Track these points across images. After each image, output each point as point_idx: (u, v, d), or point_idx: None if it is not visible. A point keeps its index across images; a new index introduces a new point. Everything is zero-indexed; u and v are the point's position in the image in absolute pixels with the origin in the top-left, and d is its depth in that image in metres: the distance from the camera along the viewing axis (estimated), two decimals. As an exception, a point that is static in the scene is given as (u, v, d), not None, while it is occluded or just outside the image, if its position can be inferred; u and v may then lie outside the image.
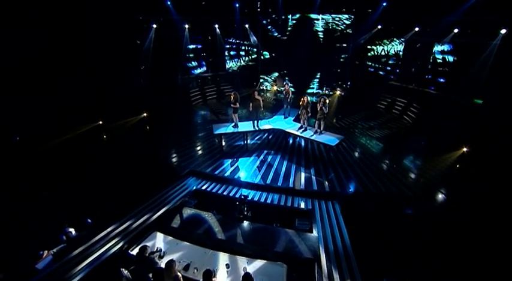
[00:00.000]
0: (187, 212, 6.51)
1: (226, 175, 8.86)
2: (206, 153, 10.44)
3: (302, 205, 7.39)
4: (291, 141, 11.55)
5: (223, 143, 10.85)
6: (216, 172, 8.99)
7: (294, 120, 11.67)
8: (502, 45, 10.83)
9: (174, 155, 10.40)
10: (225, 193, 7.92)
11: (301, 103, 10.13)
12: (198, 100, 17.12)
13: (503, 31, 10.74)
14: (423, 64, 14.26)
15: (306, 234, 5.82)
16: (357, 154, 10.53)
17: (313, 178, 8.66)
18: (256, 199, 7.67)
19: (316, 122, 10.01)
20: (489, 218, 6.99)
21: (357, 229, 6.52)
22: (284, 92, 11.91)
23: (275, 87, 18.82)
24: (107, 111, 12.71)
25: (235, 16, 16.88)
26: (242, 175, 8.87)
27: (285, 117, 11.92)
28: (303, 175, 8.87)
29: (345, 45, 16.71)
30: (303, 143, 11.32)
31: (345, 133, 11.75)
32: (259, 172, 9.04)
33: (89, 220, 6.47)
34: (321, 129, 10.05)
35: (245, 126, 10.78)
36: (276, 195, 7.85)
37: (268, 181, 8.48)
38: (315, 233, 5.94)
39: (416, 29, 13.99)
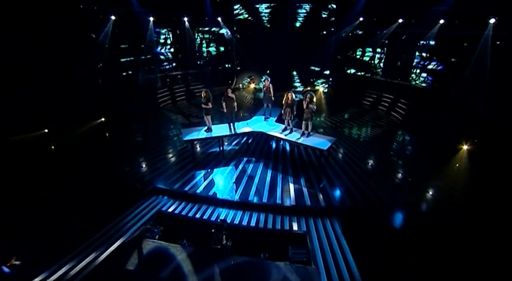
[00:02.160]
0: (149, 245, 5.00)
1: (198, 191, 7.27)
2: (175, 163, 8.82)
3: (295, 227, 6.02)
4: (274, 145, 10.20)
5: (196, 151, 9.27)
6: (187, 188, 7.37)
7: (276, 121, 10.31)
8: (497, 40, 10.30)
9: (136, 167, 8.66)
10: (197, 216, 6.35)
11: (284, 101, 8.78)
12: (166, 101, 15.34)
13: (492, 21, 10.19)
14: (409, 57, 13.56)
15: (304, 267, 4.58)
16: (350, 157, 9.37)
17: (305, 189, 7.29)
18: (236, 221, 6.17)
19: (304, 122, 8.70)
20: (491, 219, 6.38)
21: (363, 251, 5.36)
22: (264, 89, 10.39)
23: (252, 85, 17.45)
24: (55, 117, 10.56)
25: (205, 8, 15.29)
26: (218, 190, 7.35)
27: (265, 118, 10.49)
28: (291, 186, 7.47)
29: (325, 33, 16.01)
30: (288, 148, 9.96)
31: (334, 134, 10.60)
32: (240, 185, 7.54)
33: (6, 268, 4.68)
34: (309, 130, 8.77)
35: (220, 129, 9.25)
36: (262, 214, 6.39)
37: (251, 197, 7.00)
38: (314, 264, 4.76)
39: (400, 20, 13.23)
